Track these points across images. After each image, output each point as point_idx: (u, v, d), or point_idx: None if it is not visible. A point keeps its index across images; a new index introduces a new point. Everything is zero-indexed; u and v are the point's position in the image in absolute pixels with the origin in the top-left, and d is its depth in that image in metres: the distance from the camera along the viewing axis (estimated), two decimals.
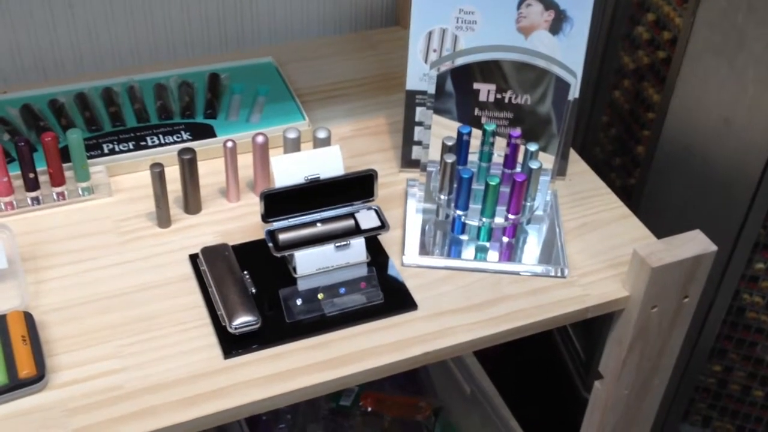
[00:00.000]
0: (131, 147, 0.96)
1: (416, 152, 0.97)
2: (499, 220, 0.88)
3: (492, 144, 0.91)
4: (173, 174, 0.90)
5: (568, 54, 0.89)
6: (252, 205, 0.92)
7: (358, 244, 0.84)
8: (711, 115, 1.00)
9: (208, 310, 0.81)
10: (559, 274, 0.86)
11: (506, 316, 0.82)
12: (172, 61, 1.13)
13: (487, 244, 0.89)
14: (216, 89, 1.04)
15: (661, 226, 0.91)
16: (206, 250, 0.84)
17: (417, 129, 0.96)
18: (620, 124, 1.18)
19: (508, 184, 0.88)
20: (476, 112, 0.88)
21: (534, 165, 0.87)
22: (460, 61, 0.86)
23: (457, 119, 0.89)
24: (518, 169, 0.90)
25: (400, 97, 1.02)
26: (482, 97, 0.87)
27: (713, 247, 0.83)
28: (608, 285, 0.86)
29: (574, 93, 0.86)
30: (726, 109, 0.99)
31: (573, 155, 1.00)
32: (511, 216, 0.88)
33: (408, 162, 0.98)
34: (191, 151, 0.88)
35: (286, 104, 1.04)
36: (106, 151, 0.95)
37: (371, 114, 1.06)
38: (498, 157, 0.92)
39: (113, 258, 0.86)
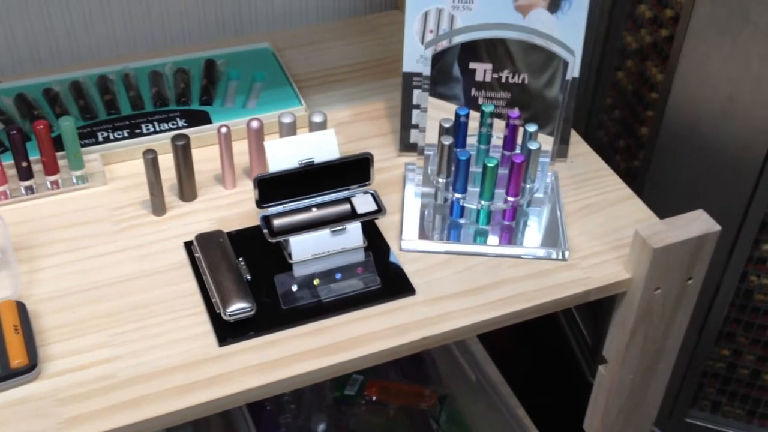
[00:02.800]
0: (126, 135, 0.95)
1: (414, 136, 0.96)
2: (498, 202, 0.86)
3: (490, 125, 0.89)
4: (169, 162, 0.89)
5: (567, 32, 0.87)
6: (248, 192, 0.91)
7: (355, 228, 0.83)
8: (715, 93, 0.98)
9: (203, 297, 0.80)
10: (559, 257, 0.85)
11: (506, 300, 0.81)
12: (168, 48, 1.12)
13: (487, 228, 0.88)
14: (212, 76, 1.03)
15: (666, 208, 0.90)
16: (201, 237, 0.83)
17: (414, 112, 0.95)
18: (624, 105, 1.16)
19: (507, 167, 0.86)
20: (473, 92, 0.87)
21: (533, 146, 0.85)
22: (456, 40, 0.85)
23: (455, 101, 0.88)
24: (518, 150, 0.89)
25: (398, 81, 0.99)
26: (479, 77, 0.85)
27: (717, 227, 0.81)
28: (610, 267, 0.84)
29: (573, 72, 0.84)
30: (730, 87, 0.97)
31: (575, 136, 0.99)
32: (510, 198, 0.86)
33: (406, 146, 0.97)
34: (185, 137, 0.87)
35: (283, 90, 1.02)
36: (100, 139, 0.94)
37: (369, 98, 1.05)
38: (497, 139, 0.90)
39: (107, 246, 0.85)
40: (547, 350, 1.32)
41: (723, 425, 1.23)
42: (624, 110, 1.17)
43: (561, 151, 0.95)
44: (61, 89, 1.00)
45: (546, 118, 0.87)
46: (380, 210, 0.84)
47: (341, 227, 0.82)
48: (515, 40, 0.84)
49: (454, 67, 0.86)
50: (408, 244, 0.86)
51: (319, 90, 1.05)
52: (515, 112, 0.88)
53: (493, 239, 0.87)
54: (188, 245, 0.85)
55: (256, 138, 0.90)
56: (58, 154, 0.90)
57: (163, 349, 0.75)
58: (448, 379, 1.23)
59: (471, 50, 0.85)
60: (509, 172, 0.85)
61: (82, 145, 0.92)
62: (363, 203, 0.84)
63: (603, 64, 1.18)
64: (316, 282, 0.80)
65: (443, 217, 0.89)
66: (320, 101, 1.03)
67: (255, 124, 0.89)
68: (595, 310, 1.22)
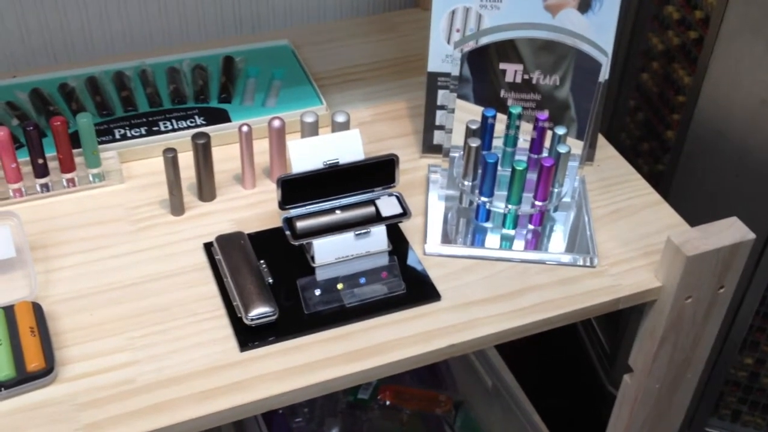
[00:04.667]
0: (143, 132, 0.93)
1: (438, 137, 0.94)
2: (525, 207, 0.84)
3: (517, 128, 0.87)
4: (187, 160, 0.87)
5: (597, 33, 0.85)
6: (268, 192, 0.89)
7: (379, 232, 0.81)
8: (747, 97, 0.96)
9: (224, 300, 0.78)
10: (588, 264, 0.83)
11: (534, 307, 0.79)
12: (185, 44, 1.10)
13: (513, 232, 0.86)
14: (230, 73, 1.01)
15: (692, 215, 0.88)
16: (221, 239, 0.81)
17: (439, 113, 0.93)
18: (648, 108, 1.14)
19: (534, 170, 0.84)
20: (502, 93, 0.85)
21: (562, 149, 0.83)
22: (485, 40, 0.83)
23: (481, 102, 0.86)
24: (545, 154, 0.87)
25: (420, 81, 0.98)
26: (509, 78, 0.83)
27: (751, 235, 0.79)
28: (640, 275, 0.82)
29: (604, 74, 0.82)
30: (763, 90, 0.94)
31: (601, 140, 0.97)
32: (538, 203, 0.84)
33: (429, 147, 0.94)
34: (205, 135, 0.85)
35: (303, 88, 1.00)
36: (117, 136, 0.92)
37: (391, 98, 1.02)
38: (523, 142, 0.88)
39: (125, 247, 0.83)
40: (563, 356, 1.30)
41: None
42: (648, 113, 1.15)
43: (588, 154, 0.93)
44: (77, 85, 0.98)
45: (575, 120, 0.85)
46: (405, 213, 0.82)
47: (366, 230, 0.80)
48: (545, 41, 0.82)
49: (482, 68, 0.84)
50: (432, 248, 0.84)
51: (339, 89, 1.03)
52: (544, 114, 0.86)
53: (519, 244, 0.85)
54: (208, 246, 0.83)
55: (278, 137, 0.88)
56: (75, 151, 0.88)
57: (183, 353, 0.73)
58: (463, 385, 1.21)
59: (501, 50, 0.83)
60: (538, 176, 0.83)
61: (99, 142, 0.90)
62: (387, 206, 0.82)
63: (627, 66, 1.15)
64: (339, 286, 0.78)
65: (468, 221, 0.87)
66: (340, 100, 1.01)
67: (277, 123, 0.87)
68: (613, 316, 1.20)
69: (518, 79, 0.83)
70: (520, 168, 0.81)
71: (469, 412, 1.19)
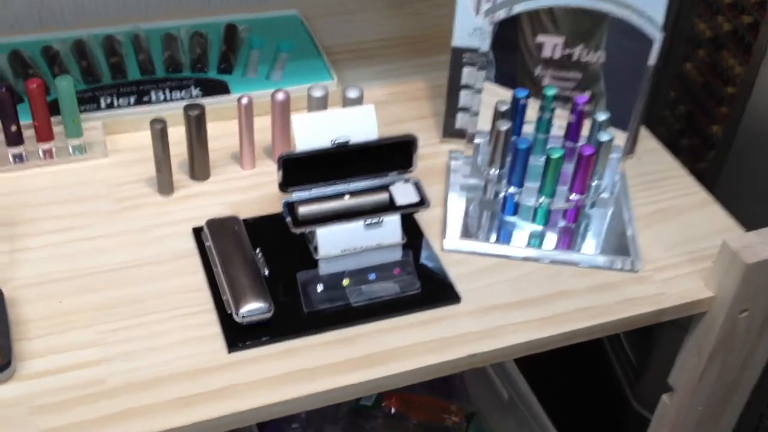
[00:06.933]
0: (132, 102, 0.84)
1: (461, 120, 0.84)
2: (559, 201, 0.75)
3: (552, 111, 0.77)
4: (180, 135, 0.77)
5: (647, 5, 0.75)
6: (269, 173, 0.79)
7: (393, 222, 0.71)
8: None
9: (212, 293, 0.68)
10: (628, 268, 0.73)
11: (566, 316, 0.69)
12: (184, 9, 1.00)
13: (544, 229, 0.76)
14: (232, 42, 0.91)
15: (739, 217, 0.78)
16: (212, 223, 0.71)
17: (463, 93, 0.83)
18: (690, 100, 1.04)
19: (569, 160, 0.74)
20: (537, 71, 0.75)
21: (604, 137, 0.73)
22: (519, 7, 0.72)
23: (509, 83, 0.76)
24: (582, 143, 0.77)
25: (440, 60, 0.88)
26: (546, 53, 0.73)
27: None
28: (688, 283, 0.72)
29: (656, 54, 0.72)
30: None
31: (642, 130, 0.87)
32: (573, 196, 0.74)
33: (451, 131, 0.85)
34: (199, 107, 0.75)
35: (312, 62, 0.91)
36: (103, 105, 0.83)
37: (408, 77, 0.93)
38: (558, 128, 0.78)
39: (104, 228, 0.74)
40: (585, 367, 1.20)
41: None
42: (690, 105, 1.05)
43: (629, 146, 0.83)
44: (62, 48, 0.89)
45: (618, 106, 0.75)
46: (423, 202, 0.72)
47: (377, 219, 0.70)
48: (590, 10, 0.72)
49: (515, 41, 0.74)
50: (452, 243, 0.74)
51: (351, 65, 0.94)
52: (583, 96, 0.76)
53: (550, 243, 0.75)
54: (197, 232, 0.73)
55: (281, 112, 0.78)
56: (54, 119, 0.79)
57: (163, 352, 0.64)
58: (476, 395, 1.11)
59: (537, 21, 0.73)
60: (575, 167, 0.73)
61: (82, 111, 0.81)
62: (403, 193, 0.72)
63: (669, 54, 1.05)
64: (345, 282, 0.68)
65: (492, 215, 0.77)
66: (352, 77, 0.91)
67: (281, 95, 0.78)
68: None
69: (557, 55, 0.73)
70: (556, 156, 0.71)
71: (481, 424, 1.09)
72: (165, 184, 0.77)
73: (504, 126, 0.73)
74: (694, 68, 1.03)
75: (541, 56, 0.73)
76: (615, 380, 1.17)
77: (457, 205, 0.78)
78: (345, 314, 0.67)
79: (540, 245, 0.75)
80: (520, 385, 1.07)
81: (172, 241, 0.73)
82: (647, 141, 0.87)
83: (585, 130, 0.77)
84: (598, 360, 1.19)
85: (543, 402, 1.08)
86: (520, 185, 0.74)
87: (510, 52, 0.74)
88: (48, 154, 0.79)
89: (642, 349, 1.12)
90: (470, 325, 0.67)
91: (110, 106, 0.83)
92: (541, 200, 0.74)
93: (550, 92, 0.76)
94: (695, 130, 1.04)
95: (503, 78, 0.75)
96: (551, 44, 0.73)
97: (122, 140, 0.82)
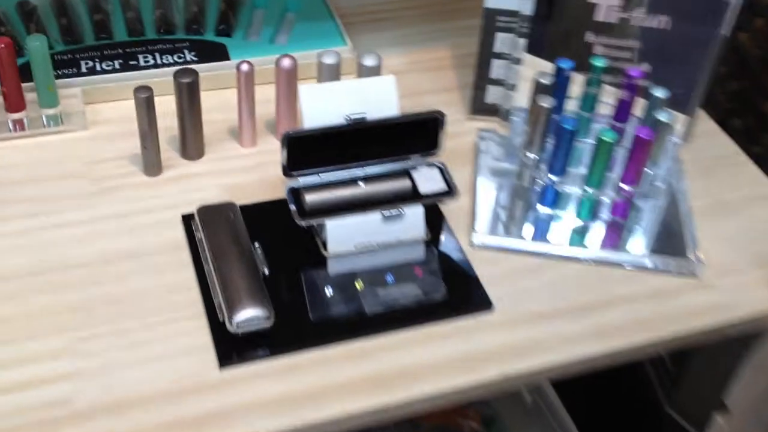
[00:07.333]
0: (117, 66, 0.74)
1: (493, 94, 0.73)
2: (608, 191, 0.64)
3: (599, 85, 0.67)
4: (170, 106, 0.67)
5: None
6: (271, 152, 0.69)
7: (415, 214, 0.61)
8: None
9: (202, 295, 0.58)
10: (687, 272, 0.62)
11: (618, 329, 0.59)
12: None
13: (588, 224, 0.65)
14: (233, 0, 0.80)
15: None
16: (205, 211, 0.61)
17: (496, 63, 0.72)
18: (745, 75, 0.93)
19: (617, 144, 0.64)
20: (588, 37, 0.64)
21: (663, 117, 0.63)
22: None
23: (548, 51, 0.65)
24: (631, 124, 0.66)
25: (468, 24, 0.80)
26: (599, 15, 0.62)
27: None
28: (756, 290, 0.62)
29: (729, 19, 0.61)
30: None
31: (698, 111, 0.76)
32: (625, 187, 0.64)
33: (480, 107, 0.74)
34: (192, 73, 0.65)
35: (323, 24, 0.80)
36: (84, 69, 0.73)
37: (430, 43, 0.84)
38: (606, 105, 0.68)
39: (79, 213, 0.64)
40: (614, 370, 1.10)
41: None
42: (745, 81, 0.94)
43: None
44: (41, 3, 0.79)
45: (676, 81, 0.64)
46: (451, 191, 0.62)
47: (397, 211, 0.60)
48: None
49: (556, 3, 0.63)
50: (481, 238, 0.64)
51: (367, 29, 0.84)
52: (637, 69, 0.65)
53: (596, 240, 0.65)
54: (187, 220, 0.63)
55: (287, 81, 0.68)
56: (26, 85, 0.69)
57: (142, 367, 0.54)
58: (496, 399, 1.01)
59: None
60: (630, 152, 0.62)
61: (59, 76, 0.72)
62: (427, 179, 0.62)
63: None
64: (358, 285, 0.58)
65: (528, 205, 0.67)
66: (368, 43, 0.81)
67: (287, 62, 0.67)
68: None
69: (612, 18, 0.62)
70: (609, 139, 0.61)
71: (502, 430, 1.00)
72: (151, 163, 0.67)
73: (546, 102, 0.63)
74: (750, 39, 0.92)
75: (593, 19, 0.62)
76: (647, 383, 1.07)
77: (488, 193, 0.67)
78: (358, 323, 0.57)
79: (583, 242, 0.64)
80: (545, 388, 0.97)
81: (158, 230, 0.63)
82: (703, 122, 0.76)
83: (635, 110, 0.66)
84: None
85: (568, 406, 0.98)
86: (563, 172, 0.64)
87: (557, 13, 0.63)
88: (18, 125, 0.70)
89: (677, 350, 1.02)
90: (503, 337, 0.58)
91: (92, 70, 0.73)
92: (587, 190, 0.64)
93: (599, 63, 0.66)
94: (749, 109, 0.94)
95: (535, 46, 0.64)
96: (604, 5, 0.62)
97: (104, 110, 0.73)
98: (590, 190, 0.64)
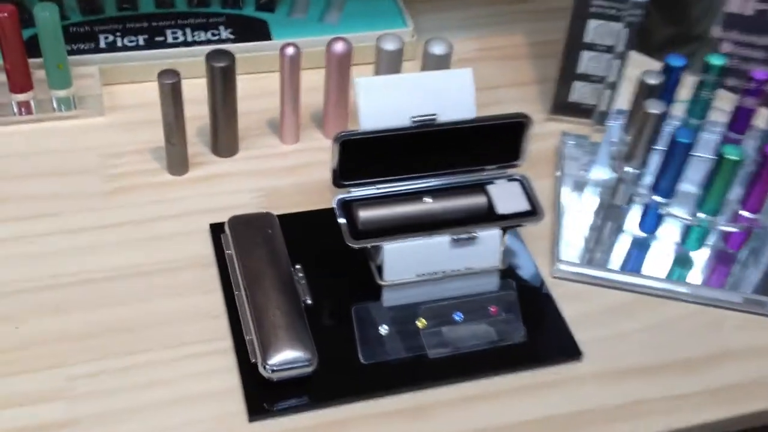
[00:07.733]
0: (141, 43, 0.65)
1: (580, 91, 0.63)
2: (724, 219, 0.53)
3: (715, 88, 0.56)
4: (200, 93, 0.58)
5: None
6: (318, 151, 0.60)
7: (491, 238, 0.50)
8: None
9: (231, 325, 0.48)
10: None
11: (737, 389, 0.48)
12: None
13: (697, 255, 0.54)
14: None
15: None
16: (237, 222, 0.52)
17: (586, 55, 0.62)
18: None
19: None
20: (716, 32, 0.52)
21: None
22: None
23: (653, 46, 0.55)
24: (751, 135, 0.55)
25: (550, 6, 0.73)
26: (734, 6, 0.51)
27: None
28: None
29: None
30: None
31: None
32: (746, 214, 0.53)
33: (563, 106, 0.65)
34: (227, 55, 0.55)
35: (381, 2, 0.70)
36: (102, 44, 0.65)
37: (504, 27, 0.75)
38: (720, 113, 0.57)
39: (88, 217, 0.55)
40: None
41: None
42: None
43: None
44: None
45: None
46: (535, 211, 0.51)
47: (470, 234, 0.49)
48: None
49: None
50: (567, 268, 0.53)
51: (431, 9, 0.76)
52: (765, 72, 0.54)
53: (704, 276, 0.54)
54: (216, 230, 0.53)
55: (339, 68, 0.58)
56: (34, 61, 0.61)
57: (154, 415, 0.45)
58: None
59: None
60: (757, 172, 0.51)
61: (73, 52, 0.64)
62: (506, 196, 0.52)
63: None
64: (420, 323, 0.48)
65: (621, 229, 0.56)
66: (430, 25, 0.73)
67: (340, 46, 0.57)
68: None
69: (748, 10, 0.51)
70: (736, 157, 0.50)
71: None
72: (176, 160, 0.57)
73: (656, 107, 0.52)
74: None
75: (725, 10, 0.51)
76: None
77: (574, 213, 0.57)
78: (418, 371, 0.47)
79: (688, 278, 0.53)
80: None
81: (181, 242, 0.53)
82: None
83: (757, 120, 0.55)
84: None
85: None
86: (671, 194, 0.53)
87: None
88: (24, 107, 0.61)
89: None
90: (596, 394, 0.47)
91: (112, 47, 0.65)
92: (701, 216, 0.53)
93: (717, 62, 0.54)
94: None
95: (654, 39, 0.54)
96: None
97: (124, 94, 0.64)
98: (705, 216, 0.53)
